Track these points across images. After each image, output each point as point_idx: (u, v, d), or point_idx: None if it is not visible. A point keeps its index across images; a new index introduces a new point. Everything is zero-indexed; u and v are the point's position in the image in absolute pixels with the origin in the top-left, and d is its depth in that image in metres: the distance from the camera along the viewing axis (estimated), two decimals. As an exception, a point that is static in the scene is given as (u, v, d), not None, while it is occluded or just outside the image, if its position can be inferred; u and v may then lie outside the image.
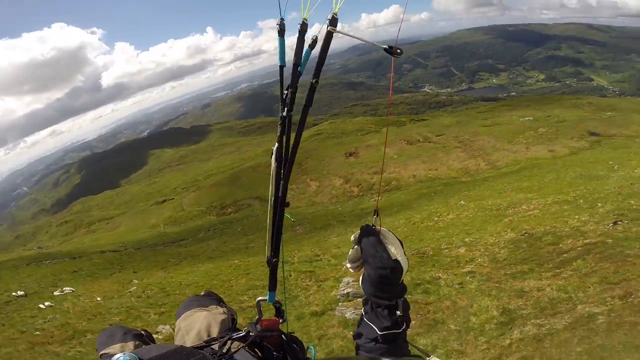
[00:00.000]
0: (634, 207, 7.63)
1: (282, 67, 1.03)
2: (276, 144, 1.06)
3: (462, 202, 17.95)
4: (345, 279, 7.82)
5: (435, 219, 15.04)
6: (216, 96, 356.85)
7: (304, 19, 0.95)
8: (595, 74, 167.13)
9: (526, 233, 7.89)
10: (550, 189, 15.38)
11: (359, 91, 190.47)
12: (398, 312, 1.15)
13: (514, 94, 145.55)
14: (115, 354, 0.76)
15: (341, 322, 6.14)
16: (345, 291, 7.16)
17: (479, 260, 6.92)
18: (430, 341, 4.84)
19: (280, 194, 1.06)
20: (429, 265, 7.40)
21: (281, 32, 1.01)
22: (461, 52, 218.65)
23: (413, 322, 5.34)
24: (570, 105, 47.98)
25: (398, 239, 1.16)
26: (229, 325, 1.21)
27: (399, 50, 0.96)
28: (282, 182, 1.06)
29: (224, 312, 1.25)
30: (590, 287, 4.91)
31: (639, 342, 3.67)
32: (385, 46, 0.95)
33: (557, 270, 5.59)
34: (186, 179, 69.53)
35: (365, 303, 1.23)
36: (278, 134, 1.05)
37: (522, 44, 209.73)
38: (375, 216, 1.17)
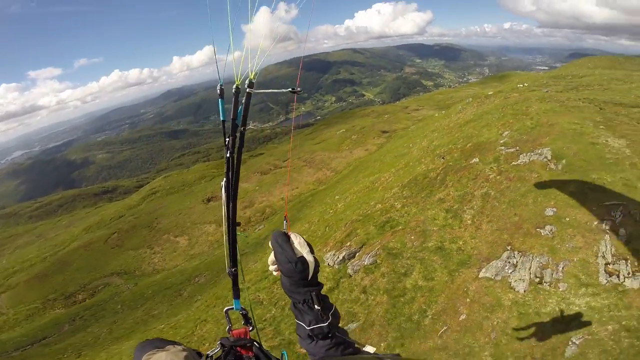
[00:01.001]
0: (440, 153, 13.81)
1: (224, 121, 1.39)
2: (224, 179, 1.38)
3: (337, 196, 22.95)
4: (326, 256, 9.90)
5: (331, 211, 19.11)
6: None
7: (237, 84, 1.33)
8: (364, 90, 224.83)
9: (402, 184, 12.73)
10: (386, 168, 22.39)
11: (183, 139, 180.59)
12: (316, 306, 1.31)
13: (319, 117, 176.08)
14: None
15: (367, 270, 8.21)
16: (340, 257, 9.06)
17: (397, 203, 10.95)
18: (437, 241, 7.98)
19: (230, 215, 1.35)
20: (372, 220, 10.83)
21: (221, 95, 1.33)
22: (273, 87, 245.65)
23: (413, 237, 8.41)
24: (362, 115, 64.69)
25: (306, 242, 1.35)
26: (195, 358, 1.16)
27: (299, 89, 1.39)
28: (231, 203, 1.36)
29: (183, 349, 1.17)
30: (468, 185, 9.51)
31: (523, 191, 7.80)
32: (290, 89, 1.38)
33: (444, 185, 10.20)
34: (-27, 284, 50.25)
35: (291, 306, 1.41)
36: (225, 170, 1.38)
37: (315, 72, 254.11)
38: (285, 222, 1.40)
